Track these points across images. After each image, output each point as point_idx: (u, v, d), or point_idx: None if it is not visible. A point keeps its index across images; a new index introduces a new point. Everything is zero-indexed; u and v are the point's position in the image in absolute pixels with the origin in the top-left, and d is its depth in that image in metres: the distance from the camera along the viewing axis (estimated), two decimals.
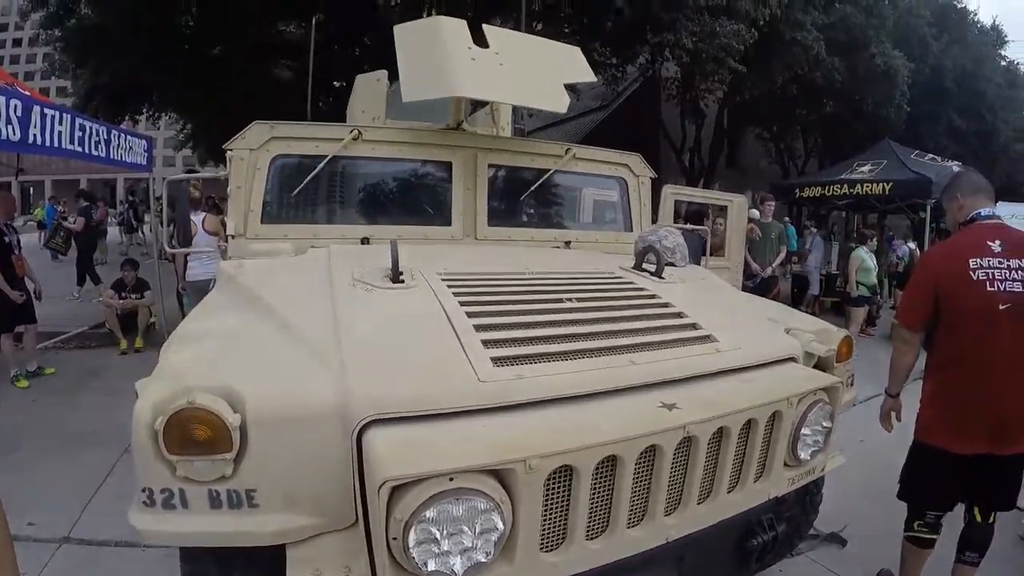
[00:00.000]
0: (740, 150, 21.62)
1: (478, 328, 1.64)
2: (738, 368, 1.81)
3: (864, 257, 8.23)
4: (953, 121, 18.97)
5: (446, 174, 2.97)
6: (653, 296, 2.11)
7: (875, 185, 10.30)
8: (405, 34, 2.95)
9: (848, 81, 14.95)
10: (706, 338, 1.86)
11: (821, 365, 2.13)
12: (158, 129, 26.67)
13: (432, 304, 1.76)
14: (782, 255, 7.31)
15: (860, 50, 14.87)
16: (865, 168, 10.95)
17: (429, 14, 13.48)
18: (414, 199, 3.09)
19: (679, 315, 1.99)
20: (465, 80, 2.65)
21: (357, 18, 13.35)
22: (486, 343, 1.57)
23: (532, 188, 3.13)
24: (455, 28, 2.85)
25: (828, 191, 11.01)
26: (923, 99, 17.06)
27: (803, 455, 1.84)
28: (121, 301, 6.39)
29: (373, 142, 2.85)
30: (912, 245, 11.32)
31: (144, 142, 6.47)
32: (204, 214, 5.60)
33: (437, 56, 2.73)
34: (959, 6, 20.04)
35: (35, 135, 4.42)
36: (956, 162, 11.54)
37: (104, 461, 3.68)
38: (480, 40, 2.84)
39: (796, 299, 10.05)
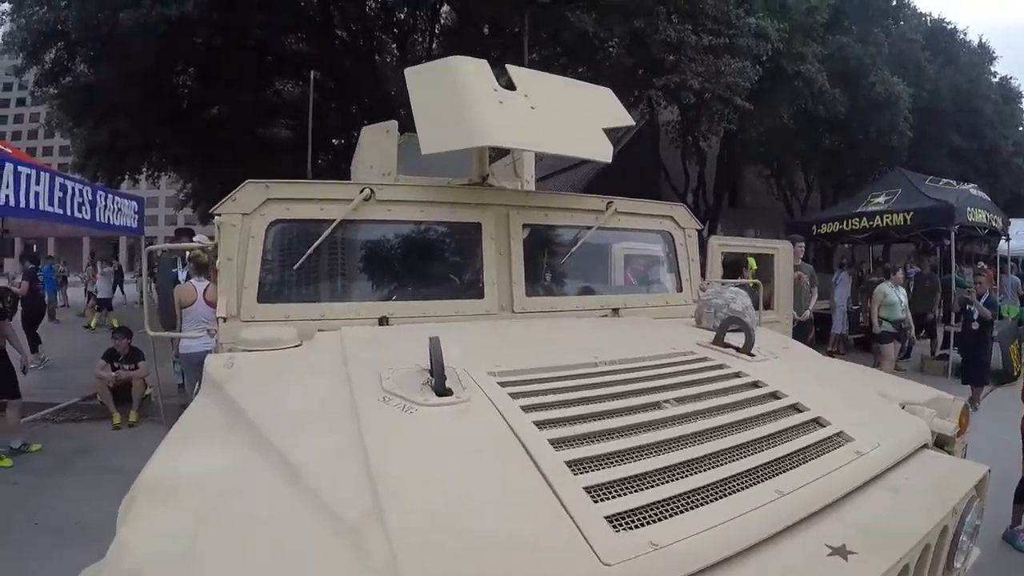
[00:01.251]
0: (741, 188, 21.42)
1: (573, 466, 1.20)
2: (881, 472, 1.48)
3: (888, 292, 7.89)
4: (954, 141, 18.96)
5: (474, 236, 2.60)
6: (757, 384, 1.78)
7: (895, 216, 10.05)
8: (419, 77, 2.63)
9: (850, 111, 14.94)
10: (839, 437, 1.55)
11: (941, 441, 1.85)
12: (158, 188, 26.84)
13: (498, 428, 1.33)
14: (814, 297, 6.93)
15: (860, 79, 14.93)
16: (880, 199, 10.73)
17: None
18: (438, 268, 2.72)
19: (797, 408, 1.67)
20: (494, 127, 2.33)
21: (355, 74, 13.43)
22: (591, 492, 1.14)
23: (573, 249, 2.79)
24: (476, 68, 2.54)
25: (847, 225, 10.76)
26: (923, 122, 17.05)
27: (958, 563, 1.54)
28: (114, 373, 5.97)
29: (387, 202, 2.48)
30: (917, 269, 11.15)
31: (135, 203, 6.04)
32: (207, 283, 5.15)
33: (459, 101, 2.41)
34: (948, 27, 20.30)
35: (7, 195, 4.11)
36: (972, 184, 11.33)
37: (81, 564, 3.22)
38: (502, 81, 2.55)
39: (820, 337, 9.61)
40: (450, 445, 1.29)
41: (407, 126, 2.92)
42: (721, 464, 1.32)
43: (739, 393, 1.70)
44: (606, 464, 1.24)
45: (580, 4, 10.41)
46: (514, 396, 1.47)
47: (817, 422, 1.61)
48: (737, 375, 1.84)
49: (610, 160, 2.51)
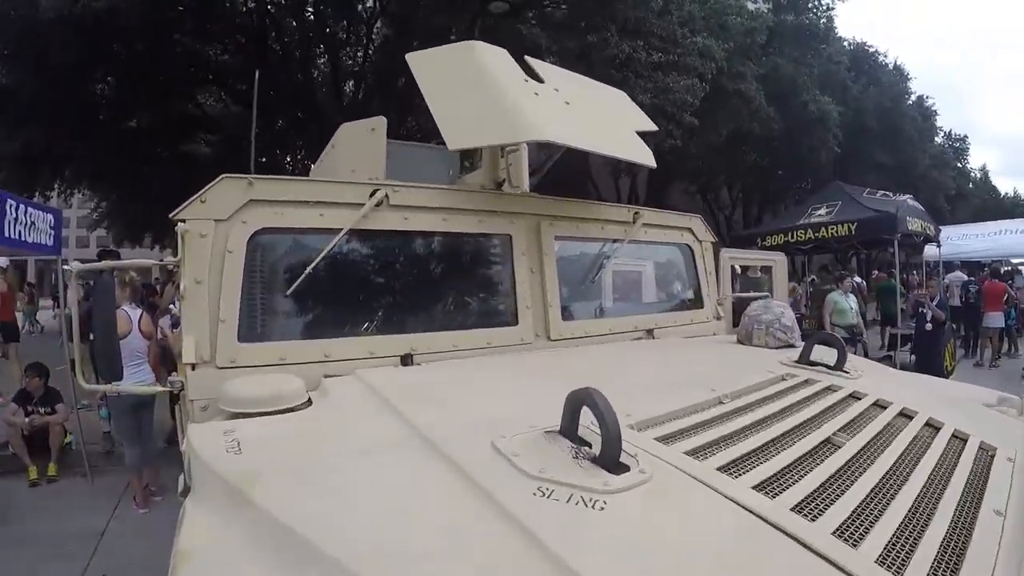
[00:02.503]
0: (668, 204, 21.84)
1: (841, 534, 0.95)
2: None
3: (838, 299, 8.28)
4: (877, 157, 20.15)
5: (500, 252, 2.30)
6: (881, 404, 1.67)
7: (840, 227, 10.45)
8: (429, 64, 2.30)
9: (782, 129, 15.61)
10: (987, 448, 1.48)
11: None
12: (70, 207, 24.81)
13: (723, 509, 0.98)
14: None
15: (792, 98, 15.64)
16: (821, 211, 11.16)
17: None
18: (463, 289, 2.31)
19: (932, 424, 1.59)
20: (538, 122, 2.04)
21: (284, 87, 12.86)
22: (885, 563, 0.91)
23: (605, 265, 2.58)
24: (500, 55, 2.25)
25: (792, 237, 11.08)
26: (849, 139, 18.04)
27: None
28: (27, 418, 5.12)
29: (404, 208, 2.08)
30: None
31: (51, 217, 5.20)
32: (141, 311, 4.47)
33: (490, 91, 2.12)
34: (870, 50, 21.78)
35: None
36: (908, 195, 11.94)
37: None
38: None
39: None
40: (682, 549, 0.89)
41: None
42: (937, 494, 1.18)
43: (878, 416, 1.57)
44: (860, 522, 1.02)
45: (533, 18, 10.34)
46: (695, 456, 1.15)
47: (957, 436, 1.53)
48: (856, 396, 1.70)
49: (655, 165, 2.35)
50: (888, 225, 10.07)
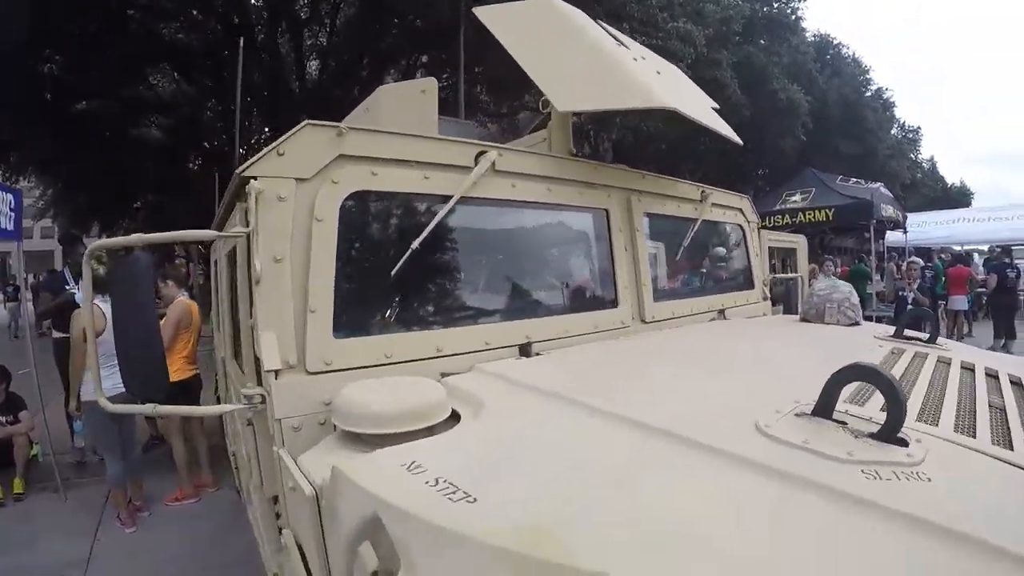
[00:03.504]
0: None
1: None
2: None
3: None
4: (839, 146, 20.68)
5: (598, 228, 2.18)
6: (995, 375, 1.61)
7: (817, 212, 10.65)
8: (506, 20, 2.11)
9: (752, 116, 15.81)
10: None
11: None
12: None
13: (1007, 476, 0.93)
14: None
15: (763, 86, 15.88)
16: (796, 197, 11.36)
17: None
18: (564, 268, 2.18)
19: None
20: (655, 88, 1.90)
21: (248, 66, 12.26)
22: None
23: (684, 244, 2.56)
24: (584, 16, 2.10)
25: (769, 222, 11.21)
26: (813, 128, 18.44)
27: None
28: None
29: (511, 175, 1.85)
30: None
31: (11, 197, 4.60)
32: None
33: (593, 53, 1.98)
34: (834, 42, 22.34)
35: None
36: (880, 183, 12.26)
37: None
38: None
39: None
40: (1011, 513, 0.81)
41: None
42: None
43: (1008, 388, 1.50)
44: None
45: None
46: (927, 422, 1.12)
47: None
48: (972, 369, 1.64)
49: (740, 142, 2.37)
50: (865, 211, 10.36)
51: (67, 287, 5.03)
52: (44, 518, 3.97)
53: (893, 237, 15.02)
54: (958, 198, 32.10)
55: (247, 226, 1.40)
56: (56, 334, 5.11)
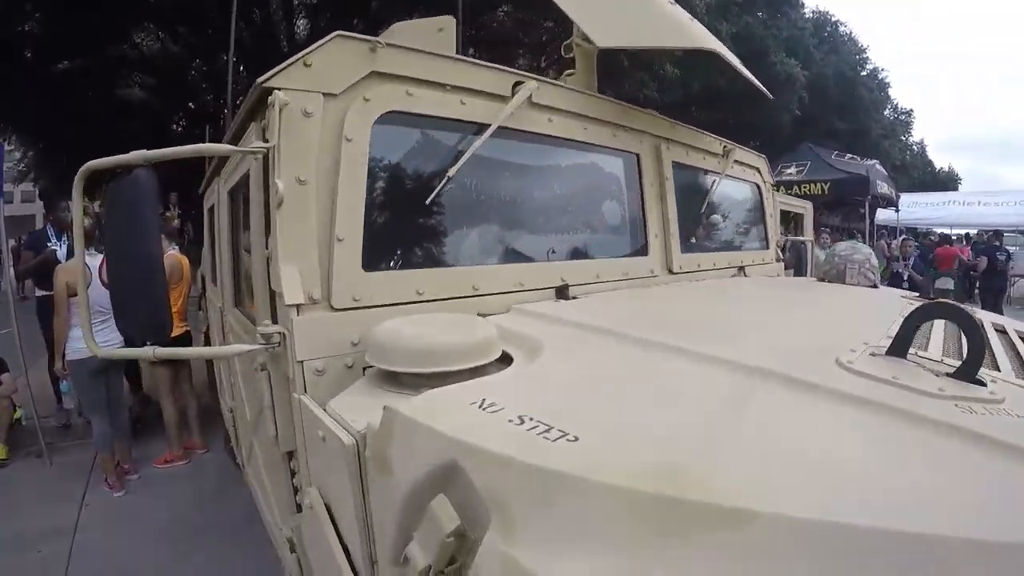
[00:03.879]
0: None
1: None
2: None
3: (818, 253, 8.46)
4: (833, 123, 20.57)
5: (623, 173, 2.12)
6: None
7: (813, 185, 10.65)
8: None
9: (748, 87, 15.58)
10: None
11: None
12: None
13: None
14: None
15: (761, 59, 15.63)
16: (791, 171, 11.36)
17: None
18: (597, 212, 2.11)
19: None
20: (695, 30, 1.94)
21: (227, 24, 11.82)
22: None
23: (710, 197, 2.54)
24: None
25: None
26: (809, 103, 18.30)
27: None
28: None
29: (548, 109, 1.77)
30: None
31: None
32: (103, 256, 3.85)
33: None
34: (832, 19, 22.05)
35: None
36: (875, 160, 12.24)
37: None
38: None
39: None
40: None
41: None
42: None
43: None
44: None
45: None
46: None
47: None
48: (1003, 330, 1.65)
49: (771, 96, 2.49)
50: (861, 187, 10.37)
51: (49, 244, 4.82)
52: (28, 484, 3.85)
53: (883, 215, 15.10)
54: (945, 182, 32.23)
55: (266, 142, 1.25)
56: (39, 292, 4.91)
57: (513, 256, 1.73)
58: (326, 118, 1.31)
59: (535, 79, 1.69)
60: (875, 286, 2.47)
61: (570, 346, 1.20)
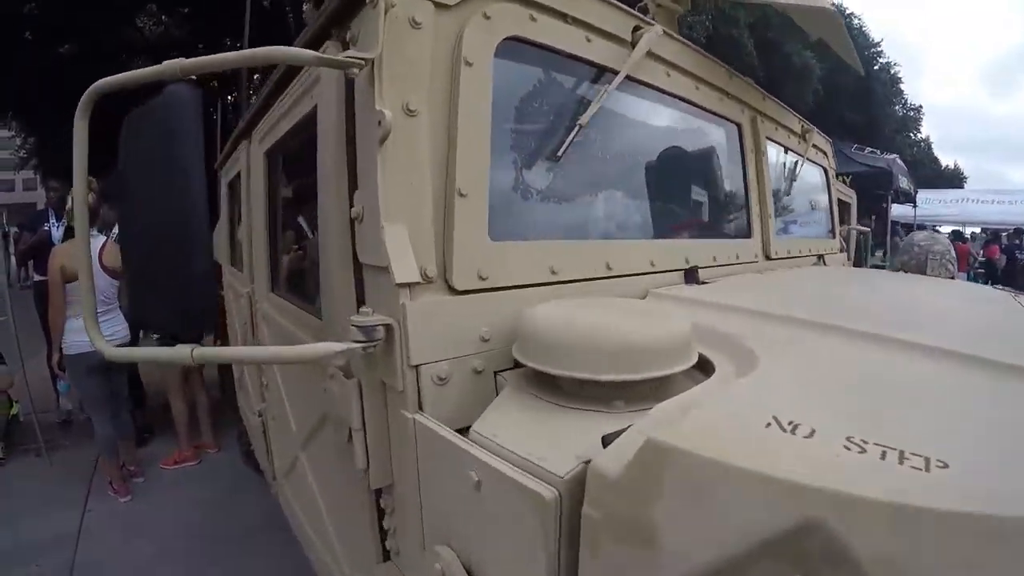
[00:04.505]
0: None
1: None
2: None
3: None
4: (845, 116, 20.31)
5: (726, 144, 1.90)
6: None
7: (835, 178, 10.34)
8: None
9: (764, 78, 15.34)
10: None
11: None
12: None
13: None
14: None
15: (778, 49, 15.38)
16: None
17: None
18: (705, 186, 1.89)
19: None
20: None
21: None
22: None
23: (794, 181, 2.35)
24: None
25: None
26: (823, 96, 18.06)
27: None
28: None
29: (665, 63, 1.50)
30: None
31: None
32: (104, 238, 3.49)
33: None
34: (847, 12, 21.70)
35: None
36: (894, 154, 11.99)
37: None
38: None
39: None
40: None
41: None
42: None
43: None
44: None
45: None
46: None
47: None
48: None
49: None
50: (884, 180, 10.20)
51: (47, 224, 4.50)
52: (26, 487, 3.54)
53: (898, 211, 14.85)
54: (951, 180, 31.98)
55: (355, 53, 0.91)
56: (37, 277, 4.60)
57: (639, 230, 1.49)
58: (438, 34, 0.98)
59: (652, 25, 1.38)
60: (953, 277, 2.44)
61: (778, 343, 0.94)
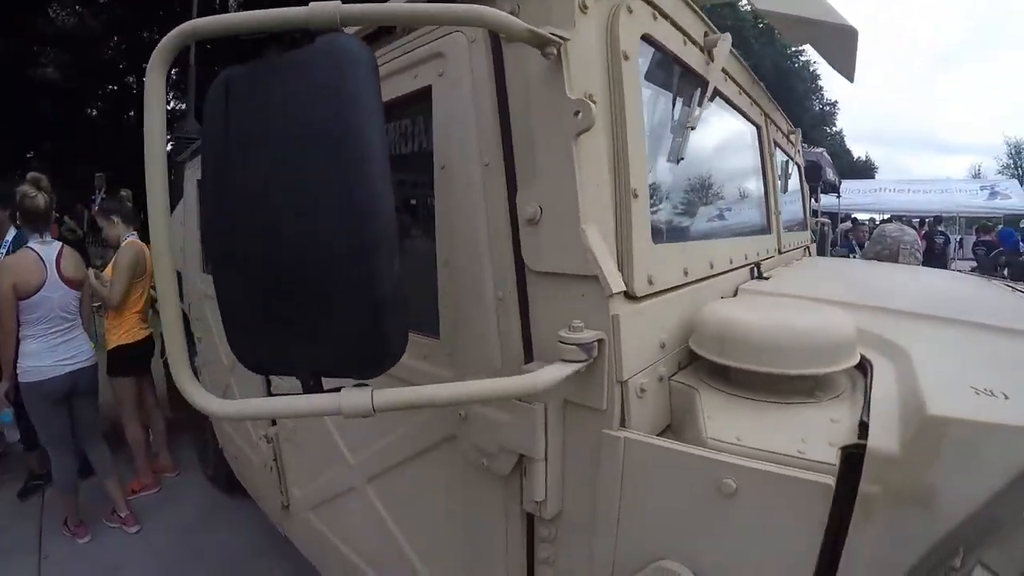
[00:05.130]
0: None
1: None
2: None
3: None
4: None
5: (755, 144, 2.00)
6: None
7: None
8: None
9: None
10: None
11: None
12: None
13: None
14: None
15: None
16: None
17: None
18: (742, 184, 1.93)
19: None
20: None
21: None
22: None
23: (787, 177, 2.44)
24: None
25: None
26: None
27: None
28: None
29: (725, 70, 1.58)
30: None
31: None
32: (60, 244, 3.03)
33: None
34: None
35: None
36: (820, 148, 12.68)
37: None
38: None
39: None
40: None
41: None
42: None
43: None
44: None
45: None
46: None
47: None
48: None
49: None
50: (814, 173, 10.62)
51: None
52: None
53: (825, 202, 15.76)
54: (863, 171, 34.42)
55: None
56: None
57: (720, 229, 1.59)
58: (597, 22, 0.90)
59: (717, 33, 1.37)
60: (920, 264, 2.60)
61: (902, 334, 1.05)
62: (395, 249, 0.66)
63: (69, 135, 12.23)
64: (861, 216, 16.97)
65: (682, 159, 1.20)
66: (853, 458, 0.72)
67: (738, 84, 1.69)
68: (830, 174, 11.86)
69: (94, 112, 13.63)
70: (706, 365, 1.01)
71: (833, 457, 0.74)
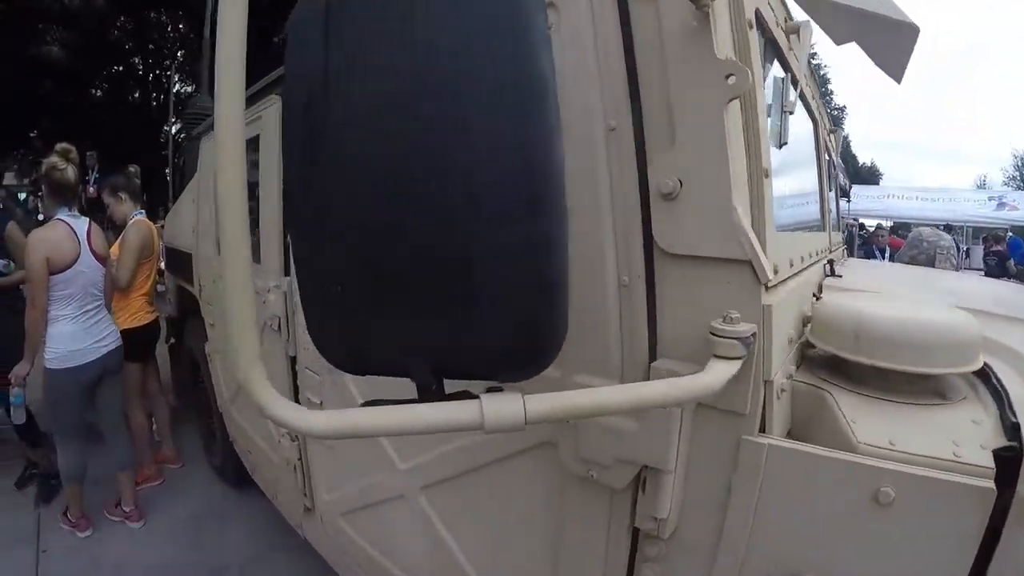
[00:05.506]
0: None
1: None
2: None
3: None
4: None
5: (812, 138, 2.02)
6: None
7: None
8: None
9: None
10: None
11: None
12: None
13: None
14: None
15: None
16: None
17: None
18: (805, 178, 1.88)
19: None
20: None
21: None
22: None
23: (831, 176, 2.66)
24: None
25: None
26: None
27: None
28: None
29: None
30: None
31: None
32: (88, 221, 2.77)
33: None
34: None
35: None
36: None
37: None
38: None
39: None
40: None
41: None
42: None
43: None
44: None
45: None
46: None
47: None
48: None
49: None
50: None
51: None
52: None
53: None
54: (868, 177, 34.37)
55: None
56: None
57: (797, 223, 1.52)
58: None
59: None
60: (957, 269, 2.61)
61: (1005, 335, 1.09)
62: (566, 210, 0.51)
63: (70, 114, 12.06)
64: (868, 222, 16.90)
65: (785, 144, 1.16)
66: (1004, 461, 0.72)
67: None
68: (841, 178, 11.82)
69: (98, 92, 13.45)
70: (820, 362, 0.95)
71: (989, 460, 0.72)
